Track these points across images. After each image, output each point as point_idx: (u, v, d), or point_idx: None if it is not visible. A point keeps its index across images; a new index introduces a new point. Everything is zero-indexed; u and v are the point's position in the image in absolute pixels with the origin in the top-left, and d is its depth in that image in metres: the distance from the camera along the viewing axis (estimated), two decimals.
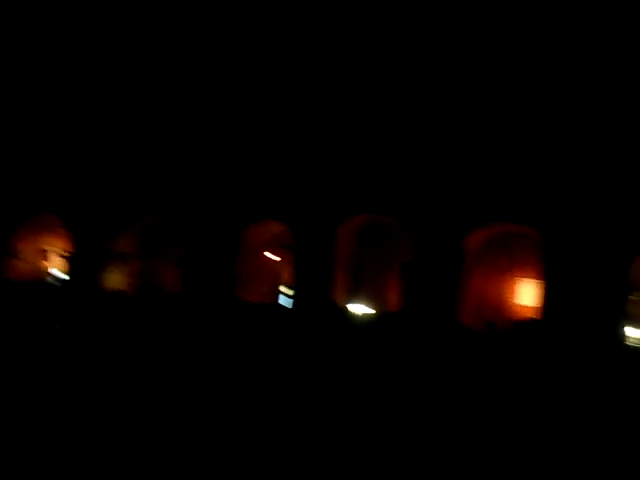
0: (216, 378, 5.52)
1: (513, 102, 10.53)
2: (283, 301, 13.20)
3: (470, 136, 10.84)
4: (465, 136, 10.89)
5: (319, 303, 10.47)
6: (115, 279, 13.37)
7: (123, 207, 13.14)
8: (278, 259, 13.59)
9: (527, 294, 11.64)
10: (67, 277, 13.72)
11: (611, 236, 9.56)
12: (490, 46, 10.72)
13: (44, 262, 14.80)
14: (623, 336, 9.73)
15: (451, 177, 10.96)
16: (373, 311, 11.55)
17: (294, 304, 11.85)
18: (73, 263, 13.51)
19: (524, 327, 8.08)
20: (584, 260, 9.62)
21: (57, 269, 14.71)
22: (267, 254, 13.59)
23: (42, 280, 13.96)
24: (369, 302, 12.11)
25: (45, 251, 14.82)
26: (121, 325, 7.57)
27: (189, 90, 12.87)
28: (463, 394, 5.36)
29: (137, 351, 6.36)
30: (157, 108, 13.10)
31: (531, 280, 11.26)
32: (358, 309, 11.54)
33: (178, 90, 12.93)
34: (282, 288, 13.79)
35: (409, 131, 11.32)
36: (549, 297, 9.79)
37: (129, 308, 9.21)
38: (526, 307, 11.48)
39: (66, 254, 13.94)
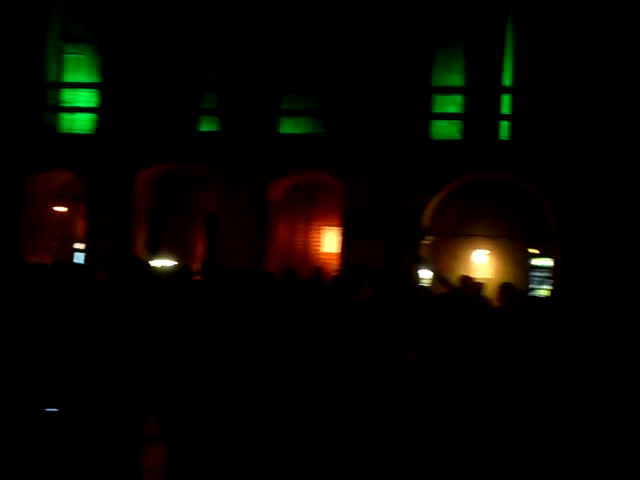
0: None
1: None
2: (79, 259, 12.64)
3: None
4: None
5: (116, 258, 10.17)
6: None
7: None
8: (66, 211, 12.88)
9: (331, 242, 12.46)
10: None
11: (405, 183, 10.51)
12: None
13: None
14: (418, 278, 10.77)
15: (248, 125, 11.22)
16: (177, 264, 11.47)
17: (86, 260, 11.45)
18: None
19: (320, 273, 8.62)
20: (379, 206, 10.51)
21: None
22: (57, 208, 12.83)
23: None
24: (173, 255, 11.99)
25: None
26: None
27: None
28: (260, 340, 5.58)
29: None
30: None
31: (334, 228, 12.04)
32: (161, 263, 11.37)
33: None
34: (77, 245, 13.16)
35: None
36: (347, 244, 10.62)
37: None
38: (331, 254, 12.29)
39: None
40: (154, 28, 11.46)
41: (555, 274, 10.20)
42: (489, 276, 12.06)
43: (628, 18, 9.50)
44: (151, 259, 11.51)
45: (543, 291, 11.30)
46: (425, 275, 11.32)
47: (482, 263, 12.76)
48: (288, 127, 11.23)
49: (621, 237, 9.30)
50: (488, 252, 12.78)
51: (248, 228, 11.12)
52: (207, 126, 11.47)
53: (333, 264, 11.48)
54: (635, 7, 9.47)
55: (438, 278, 11.47)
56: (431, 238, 11.42)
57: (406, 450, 4.29)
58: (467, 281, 7.68)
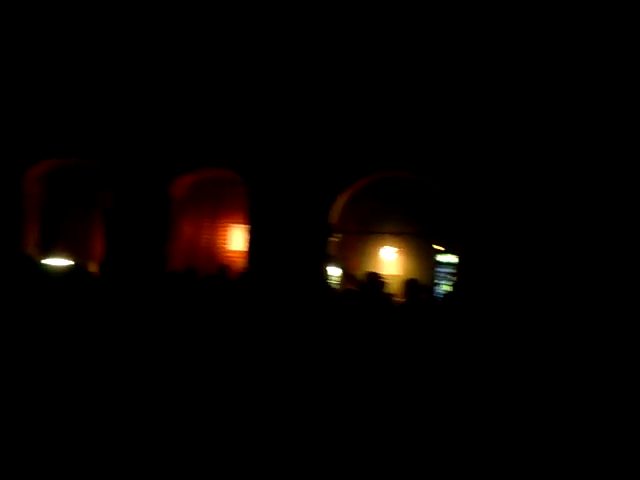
0: None
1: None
2: None
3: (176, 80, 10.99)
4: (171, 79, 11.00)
5: (6, 257, 9.76)
6: None
7: None
8: None
9: (238, 239, 12.46)
10: None
11: (312, 181, 10.66)
12: None
13: None
14: (325, 276, 10.98)
15: (147, 119, 11.06)
16: (71, 263, 11.12)
17: None
18: None
19: (225, 270, 8.63)
20: (286, 204, 10.62)
21: None
22: None
23: None
24: (70, 254, 11.63)
25: None
26: None
27: None
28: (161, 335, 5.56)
29: None
30: None
31: (241, 225, 12.04)
32: (56, 262, 11.00)
33: None
34: None
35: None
36: (254, 241, 10.65)
37: None
38: (237, 252, 12.30)
39: None
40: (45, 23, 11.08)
41: (458, 270, 10.66)
42: (397, 273, 12.48)
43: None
44: (44, 258, 11.14)
45: (446, 287, 11.81)
46: (333, 272, 11.56)
47: (390, 260, 13.18)
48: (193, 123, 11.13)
49: (522, 234, 9.84)
50: (397, 249, 13.21)
51: (150, 225, 10.94)
52: (109, 120, 11.18)
53: (240, 262, 11.49)
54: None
55: (346, 275, 11.78)
56: (339, 235, 11.64)
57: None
58: (373, 278, 7.92)
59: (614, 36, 9.56)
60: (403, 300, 7.38)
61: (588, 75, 9.73)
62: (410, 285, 7.56)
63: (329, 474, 4.07)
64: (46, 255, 11.19)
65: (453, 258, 11.58)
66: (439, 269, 12.56)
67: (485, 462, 4.35)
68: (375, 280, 7.94)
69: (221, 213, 12.67)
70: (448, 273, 12.10)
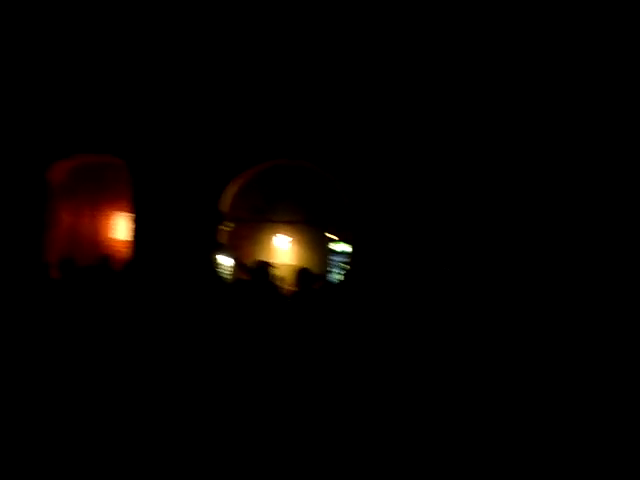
0: None
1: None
2: None
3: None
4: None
5: None
6: None
7: None
8: None
9: (122, 228, 12.06)
10: None
11: (201, 168, 10.47)
12: None
13: None
14: (215, 265, 10.85)
15: (22, 99, 10.47)
16: None
17: None
18: None
19: (107, 260, 8.34)
20: (173, 190, 10.37)
21: None
22: None
23: None
24: None
25: None
26: None
27: None
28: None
29: None
30: None
31: (125, 213, 11.65)
32: None
33: None
34: None
35: None
36: (140, 230, 10.33)
37: None
38: (121, 241, 11.90)
39: None
40: None
41: (351, 259, 10.83)
42: (291, 262, 12.56)
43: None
44: None
45: (339, 275, 12.00)
46: (225, 262, 11.46)
47: (284, 249, 13.23)
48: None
49: (416, 223, 10.11)
50: (290, 238, 13.28)
51: (25, 212, 10.36)
52: None
53: (124, 252, 11.14)
54: None
55: (237, 265, 11.70)
56: (231, 224, 11.52)
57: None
58: (262, 266, 7.91)
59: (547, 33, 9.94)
60: (296, 289, 7.42)
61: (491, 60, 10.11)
62: (302, 274, 7.61)
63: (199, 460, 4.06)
64: None
65: (346, 247, 11.78)
66: (333, 258, 12.75)
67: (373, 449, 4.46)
68: (264, 269, 7.94)
69: (104, 200, 12.21)
70: (341, 262, 12.30)
